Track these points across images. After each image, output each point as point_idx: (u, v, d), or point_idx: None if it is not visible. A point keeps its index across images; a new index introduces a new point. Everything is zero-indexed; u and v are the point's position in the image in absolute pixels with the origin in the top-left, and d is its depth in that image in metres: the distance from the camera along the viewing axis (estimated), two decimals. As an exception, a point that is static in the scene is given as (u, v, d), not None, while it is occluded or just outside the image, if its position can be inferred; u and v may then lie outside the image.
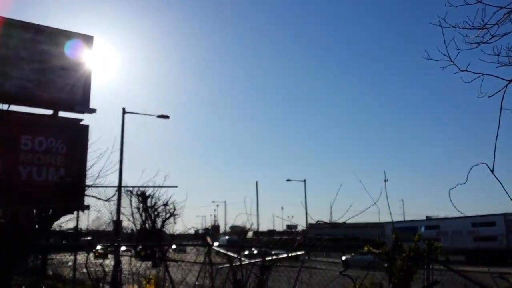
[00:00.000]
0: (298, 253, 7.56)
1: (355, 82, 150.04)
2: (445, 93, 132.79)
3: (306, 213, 48.42)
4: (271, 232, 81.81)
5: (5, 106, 12.03)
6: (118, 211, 14.69)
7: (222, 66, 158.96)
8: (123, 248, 12.69)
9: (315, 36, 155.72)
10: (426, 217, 55.95)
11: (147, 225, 11.58)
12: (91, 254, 7.18)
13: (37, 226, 11.06)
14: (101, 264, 7.68)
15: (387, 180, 5.87)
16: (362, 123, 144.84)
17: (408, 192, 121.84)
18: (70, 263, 13.13)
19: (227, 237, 56.69)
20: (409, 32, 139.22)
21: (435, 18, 4.53)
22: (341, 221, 6.29)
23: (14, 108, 12.19)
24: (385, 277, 5.85)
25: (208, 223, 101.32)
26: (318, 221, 6.55)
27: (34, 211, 11.40)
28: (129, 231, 13.30)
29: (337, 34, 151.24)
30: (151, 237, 10.82)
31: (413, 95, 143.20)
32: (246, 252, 11.92)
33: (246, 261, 7.31)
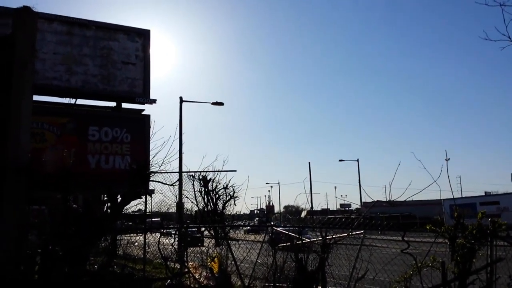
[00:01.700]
0: (358, 232, 7.72)
1: (410, 60, 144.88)
2: (504, 69, 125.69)
3: (361, 192, 48.07)
4: (325, 211, 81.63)
5: (72, 101, 12.90)
6: (180, 195, 15.41)
7: (271, 50, 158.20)
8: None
9: (370, 15, 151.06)
10: (485, 192, 53.84)
11: (209, 207, 12.21)
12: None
13: (109, 210, 11.85)
14: (171, 244, 8.29)
15: (449, 159, 5.88)
16: (414, 102, 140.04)
17: (465, 167, 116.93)
18: (136, 243, 14.00)
19: (256, 219, 61.90)
20: (467, 12, 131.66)
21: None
22: (400, 199, 6.37)
23: (80, 101, 13.06)
24: (447, 254, 5.84)
25: (263, 203, 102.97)
26: (377, 201, 6.66)
27: (104, 197, 12.20)
28: (192, 213, 14.07)
29: (391, 13, 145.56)
30: (213, 218, 11.39)
31: (472, 69, 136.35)
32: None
33: (307, 240, 7.58)
